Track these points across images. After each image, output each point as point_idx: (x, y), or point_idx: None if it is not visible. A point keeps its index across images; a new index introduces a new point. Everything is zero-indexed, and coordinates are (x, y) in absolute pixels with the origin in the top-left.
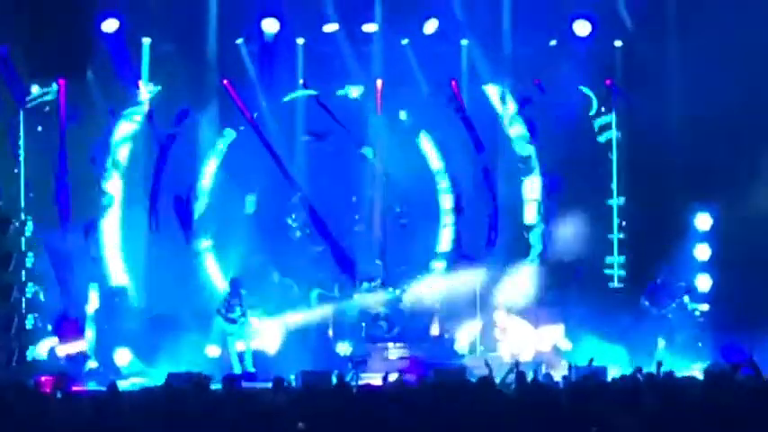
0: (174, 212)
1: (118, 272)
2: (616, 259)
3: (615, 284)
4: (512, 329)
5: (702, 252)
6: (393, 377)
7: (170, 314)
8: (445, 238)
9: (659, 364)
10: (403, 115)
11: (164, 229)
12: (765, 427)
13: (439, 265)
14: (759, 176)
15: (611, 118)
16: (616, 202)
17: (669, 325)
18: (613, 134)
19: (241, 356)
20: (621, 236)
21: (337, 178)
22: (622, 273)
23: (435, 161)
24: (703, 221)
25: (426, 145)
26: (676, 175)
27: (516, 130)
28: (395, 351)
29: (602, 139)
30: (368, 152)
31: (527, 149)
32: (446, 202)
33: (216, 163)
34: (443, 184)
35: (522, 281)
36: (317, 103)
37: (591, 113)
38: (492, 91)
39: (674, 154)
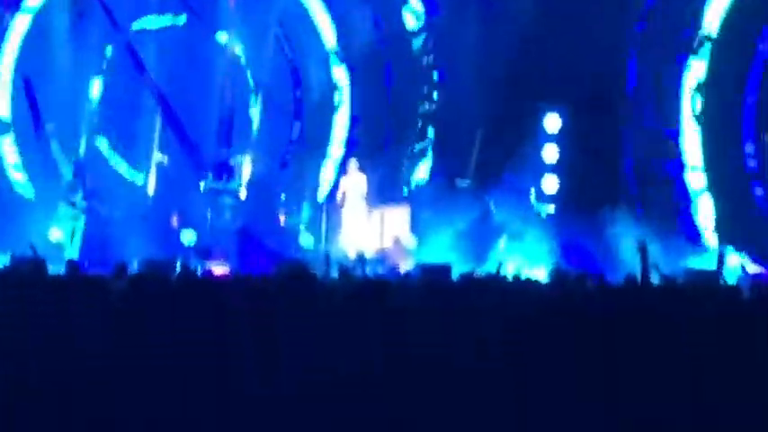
0: (25, 96)
1: None
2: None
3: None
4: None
5: (550, 153)
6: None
7: (16, 195)
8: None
9: (500, 265)
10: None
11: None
12: (612, 328)
13: None
14: (607, 78)
15: None
16: None
17: (513, 226)
18: None
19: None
20: None
21: (191, 66)
22: None
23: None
24: (552, 122)
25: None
26: (526, 75)
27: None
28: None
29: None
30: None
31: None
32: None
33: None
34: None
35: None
36: None
37: None
38: None
39: (525, 54)
